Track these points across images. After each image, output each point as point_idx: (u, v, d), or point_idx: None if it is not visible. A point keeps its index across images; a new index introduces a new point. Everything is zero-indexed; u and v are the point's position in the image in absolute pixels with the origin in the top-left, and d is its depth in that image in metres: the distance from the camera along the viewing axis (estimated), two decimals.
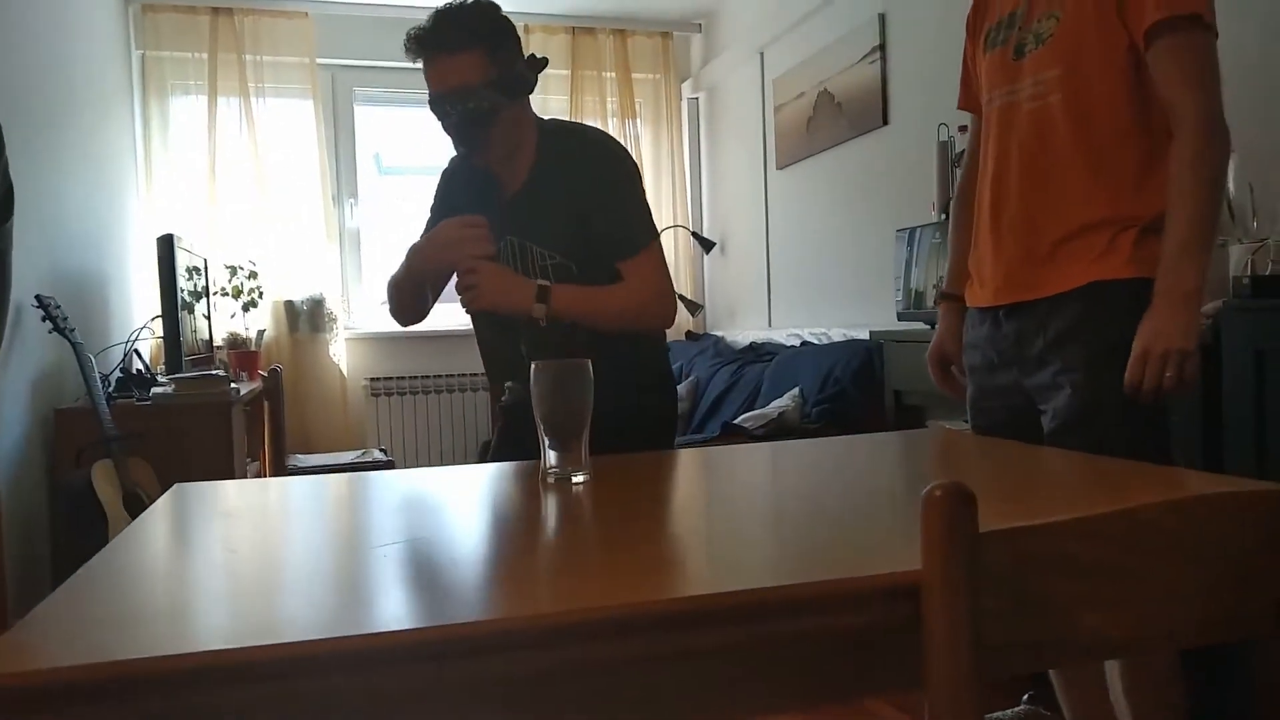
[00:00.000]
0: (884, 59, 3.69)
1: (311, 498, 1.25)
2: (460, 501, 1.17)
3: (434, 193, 1.82)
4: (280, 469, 3.90)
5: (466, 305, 1.59)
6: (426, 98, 1.63)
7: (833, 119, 4.06)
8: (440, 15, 1.58)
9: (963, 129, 2.93)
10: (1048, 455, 1.34)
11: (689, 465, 1.45)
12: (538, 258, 1.65)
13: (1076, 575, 0.73)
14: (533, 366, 1.21)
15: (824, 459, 1.43)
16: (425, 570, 0.83)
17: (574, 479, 1.22)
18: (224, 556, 0.92)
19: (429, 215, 1.81)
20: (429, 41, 1.57)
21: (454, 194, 1.76)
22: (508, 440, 1.77)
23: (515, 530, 1.02)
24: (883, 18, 3.69)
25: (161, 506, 1.14)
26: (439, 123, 1.62)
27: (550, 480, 1.22)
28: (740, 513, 1.08)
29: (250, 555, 0.92)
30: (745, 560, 0.86)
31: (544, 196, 1.64)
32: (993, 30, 1.64)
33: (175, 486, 1.26)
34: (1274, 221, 1.95)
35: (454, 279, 1.62)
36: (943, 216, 2.95)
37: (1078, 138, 1.47)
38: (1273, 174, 1.96)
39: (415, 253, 1.64)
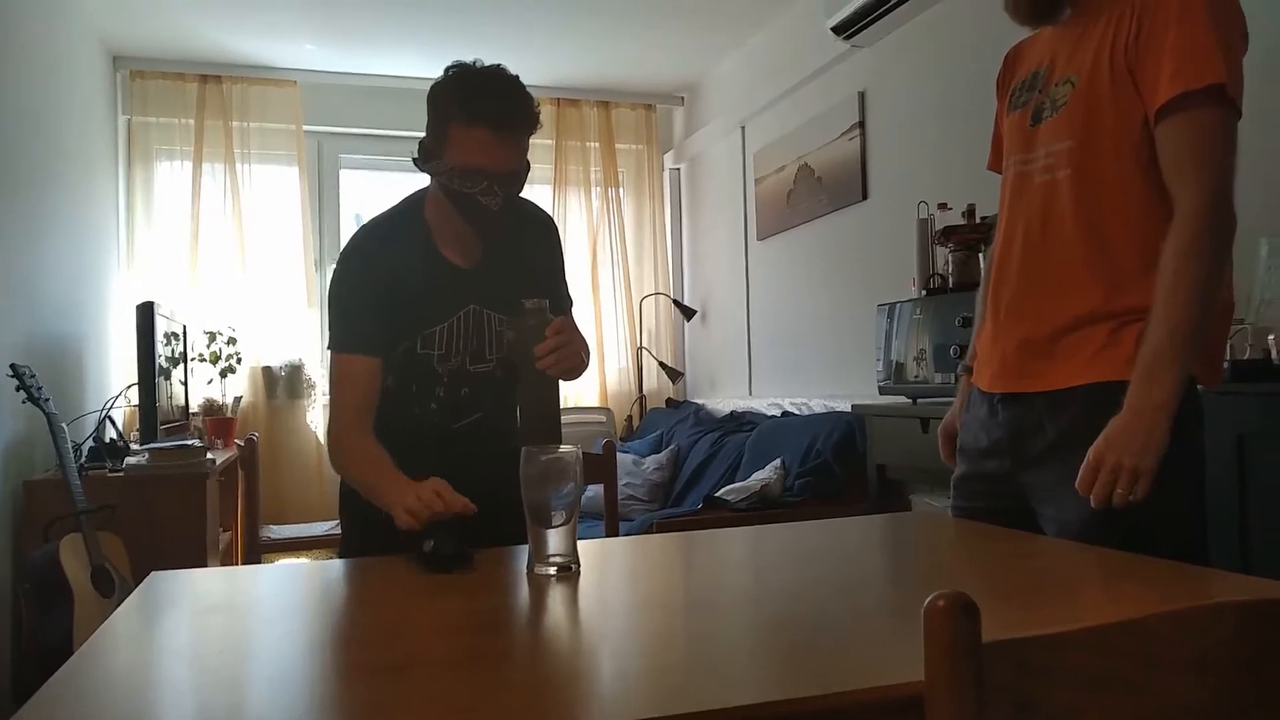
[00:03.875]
0: (864, 135, 3.77)
1: (289, 587, 1.22)
2: (436, 597, 1.14)
3: (357, 279, 1.59)
4: (253, 540, 3.83)
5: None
6: (446, 164, 1.49)
7: (813, 193, 4.13)
8: (515, 90, 1.50)
9: (942, 206, 2.99)
10: (1045, 546, 1.32)
11: (675, 554, 1.43)
12: (495, 323, 1.66)
13: (1083, 687, 0.72)
14: (523, 453, 1.20)
15: (814, 548, 1.41)
16: (403, 683, 0.80)
17: (563, 569, 1.19)
18: (198, 668, 0.88)
19: (360, 303, 1.58)
20: (501, 115, 1.48)
21: (400, 273, 1.59)
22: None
23: (500, 634, 0.99)
24: (862, 95, 3.78)
25: (135, 603, 1.10)
26: (462, 192, 1.50)
27: (538, 572, 1.19)
28: (731, 614, 1.06)
29: (225, 664, 0.89)
30: (739, 670, 0.84)
31: (503, 267, 1.66)
32: (1017, 90, 1.54)
33: (151, 576, 1.22)
34: (1249, 305, 1.97)
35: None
36: (922, 293, 2.98)
37: (1081, 219, 1.38)
38: (1245, 258, 1.99)
39: (396, 504, 1.39)
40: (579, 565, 1.21)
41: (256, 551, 3.85)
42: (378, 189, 5.28)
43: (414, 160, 1.56)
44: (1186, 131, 1.30)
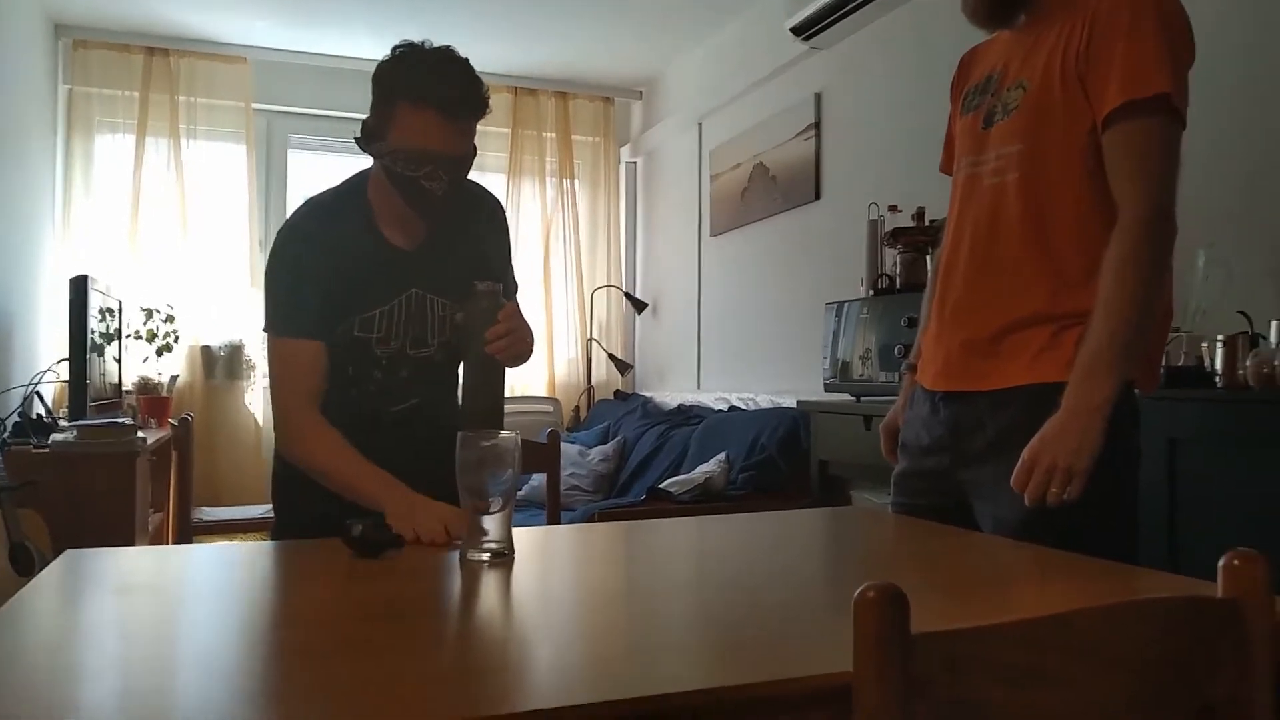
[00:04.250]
0: (818, 136, 3.79)
1: (216, 567, 1.18)
2: (367, 581, 1.11)
3: (296, 260, 1.54)
4: (185, 522, 3.73)
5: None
6: (390, 145, 1.45)
7: (767, 191, 4.14)
8: (464, 74, 1.47)
9: (892, 209, 3.01)
10: (980, 542, 1.34)
11: (611, 543, 1.42)
12: (437, 308, 1.62)
13: (1010, 681, 0.72)
14: (459, 437, 1.18)
15: (753, 539, 1.41)
16: (332, 668, 0.78)
17: (496, 555, 1.17)
18: (113, 648, 0.85)
19: (303, 285, 1.53)
20: (449, 98, 1.44)
21: (341, 255, 1.55)
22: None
23: (431, 619, 0.97)
24: (819, 97, 3.79)
25: (48, 578, 1.06)
26: (405, 175, 1.46)
27: (471, 558, 1.17)
28: (665, 604, 1.05)
29: (143, 644, 0.86)
30: (669, 660, 0.83)
31: (447, 250, 1.62)
32: (971, 93, 1.56)
33: (66, 553, 1.18)
34: (1185, 313, 2.02)
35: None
36: (870, 293, 3.01)
37: (1028, 222, 1.40)
38: (1183, 267, 2.04)
39: (397, 515, 1.33)
40: (513, 552, 1.19)
41: (188, 533, 3.75)
42: (327, 171, 5.19)
43: (356, 140, 1.52)
44: (1132, 139, 1.32)
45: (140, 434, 3.08)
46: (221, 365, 4.66)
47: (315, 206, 1.60)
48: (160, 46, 4.57)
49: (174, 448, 3.72)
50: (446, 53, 1.48)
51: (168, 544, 3.86)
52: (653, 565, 1.27)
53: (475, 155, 1.55)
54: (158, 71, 4.58)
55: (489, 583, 1.08)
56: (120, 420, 3.11)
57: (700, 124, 4.78)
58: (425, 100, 1.43)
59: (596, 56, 4.95)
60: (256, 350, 4.69)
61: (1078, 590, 1.03)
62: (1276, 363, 1.62)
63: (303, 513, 1.55)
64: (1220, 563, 0.79)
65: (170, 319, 4.36)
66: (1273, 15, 2.14)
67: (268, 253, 1.58)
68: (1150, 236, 1.30)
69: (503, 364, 1.48)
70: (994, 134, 1.46)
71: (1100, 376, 1.28)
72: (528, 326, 1.54)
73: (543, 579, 1.17)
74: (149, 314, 4.33)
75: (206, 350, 4.63)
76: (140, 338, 4.31)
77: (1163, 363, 1.83)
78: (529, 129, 5.24)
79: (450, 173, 1.48)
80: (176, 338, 4.39)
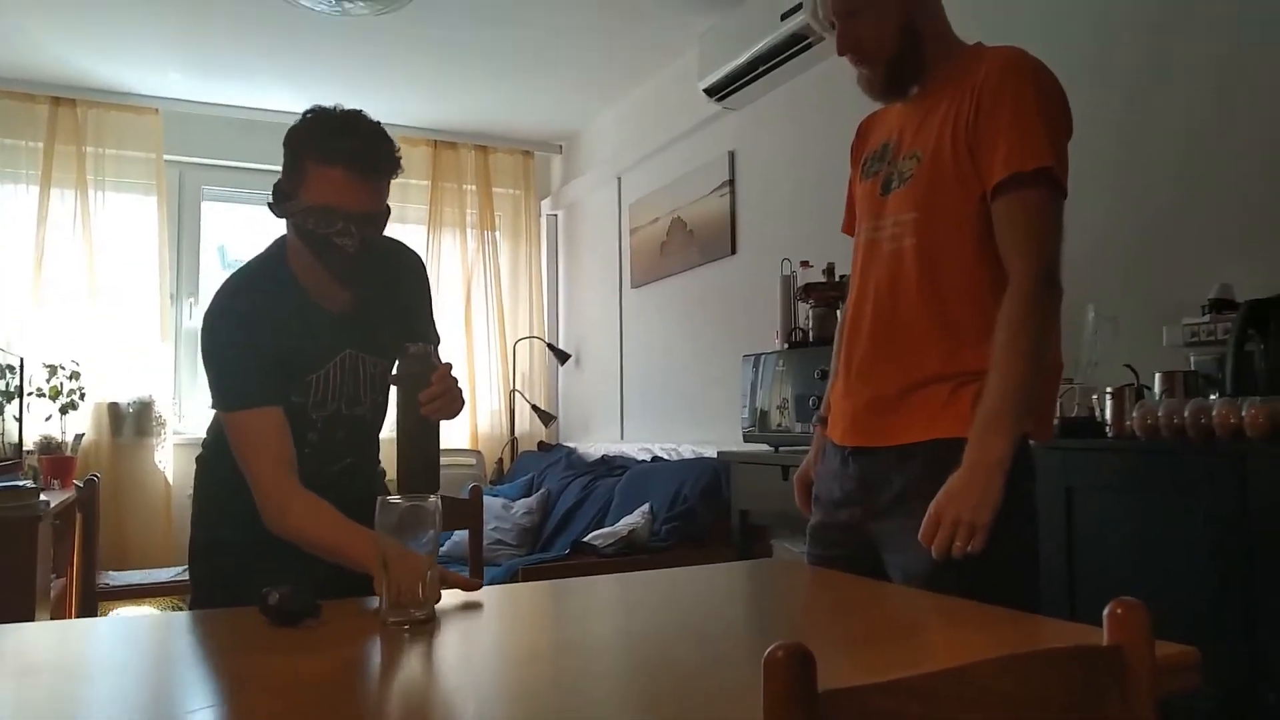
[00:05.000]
0: (733, 193, 3.90)
1: (123, 643, 1.15)
2: (286, 652, 1.10)
3: (232, 339, 1.52)
4: (90, 587, 3.58)
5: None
6: (301, 204, 1.46)
7: (685, 245, 4.23)
8: (372, 131, 1.49)
9: (804, 264, 3.11)
10: (891, 593, 1.38)
11: (533, 604, 1.43)
12: (368, 366, 1.64)
13: None
14: (378, 503, 1.18)
15: (673, 597, 1.43)
16: None
17: (418, 621, 1.17)
18: None
19: (245, 359, 1.51)
20: (360, 157, 1.46)
21: (275, 327, 1.54)
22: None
23: (351, 688, 0.97)
24: (732, 155, 3.91)
25: None
26: (316, 233, 1.47)
27: (391, 622, 1.17)
28: (584, 661, 1.07)
29: None
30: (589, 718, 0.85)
31: (374, 310, 1.63)
32: (869, 160, 1.64)
33: None
34: (1078, 366, 2.14)
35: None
36: (785, 346, 3.09)
37: (925, 286, 1.47)
38: (1075, 323, 2.16)
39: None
40: (436, 616, 1.20)
41: (93, 599, 3.60)
42: (241, 222, 5.12)
43: (269, 205, 1.52)
44: (1017, 209, 1.41)
45: (42, 497, 2.96)
46: (130, 422, 4.51)
47: (240, 282, 1.59)
48: (67, 96, 4.47)
49: (78, 510, 3.59)
50: (356, 114, 1.51)
51: (71, 611, 3.69)
52: (570, 626, 1.29)
53: (389, 214, 1.56)
54: (64, 122, 4.48)
55: (410, 649, 1.08)
56: (21, 483, 2.98)
57: (619, 178, 4.87)
58: (333, 158, 1.44)
59: (516, 112, 5.01)
60: (166, 406, 4.56)
61: (980, 640, 1.09)
62: (1159, 414, 1.73)
63: (215, 569, 1.52)
64: (1105, 611, 0.85)
65: (75, 375, 4.22)
66: (1145, 94, 2.31)
67: (200, 334, 1.55)
68: (1037, 300, 1.39)
69: (436, 425, 1.48)
70: (891, 201, 1.54)
71: (997, 433, 1.35)
72: (458, 385, 1.54)
73: (463, 643, 1.18)
74: (52, 370, 4.18)
75: (114, 407, 4.48)
76: (43, 395, 4.15)
77: (1057, 414, 1.94)
78: (449, 181, 5.26)
79: (361, 229, 1.48)
80: (82, 394, 4.24)
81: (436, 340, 1.76)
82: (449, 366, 1.50)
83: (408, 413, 1.44)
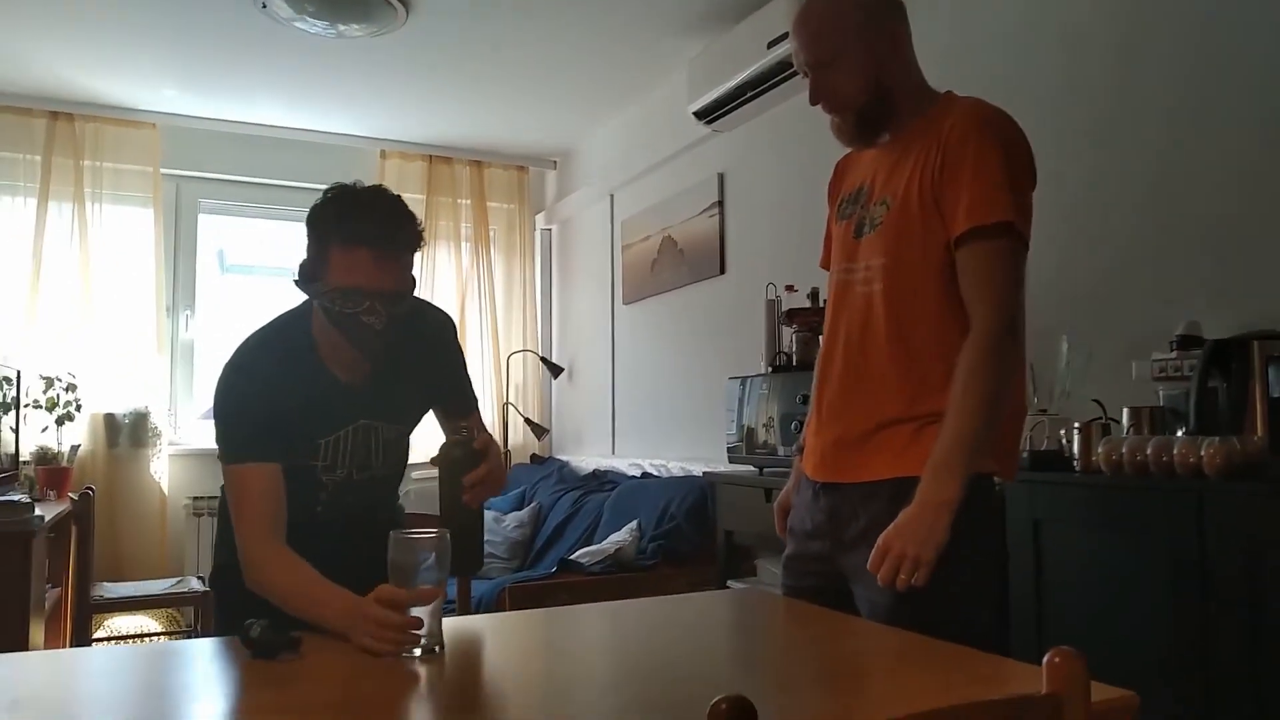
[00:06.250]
0: (722, 214, 3.96)
1: (113, 675, 1.20)
2: (287, 685, 1.15)
3: (244, 395, 1.54)
4: (84, 600, 3.62)
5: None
6: (327, 285, 1.47)
7: (675, 263, 4.29)
8: (391, 207, 1.50)
9: (789, 288, 3.17)
10: (856, 628, 1.43)
11: (521, 632, 1.47)
12: (384, 433, 1.66)
13: None
14: (391, 538, 1.24)
15: (651, 630, 1.48)
16: None
17: (426, 650, 1.23)
18: None
19: (254, 415, 1.53)
20: (380, 235, 1.47)
21: (289, 391, 1.56)
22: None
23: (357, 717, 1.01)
24: (722, 177, 3.97)
25: None
26: (344, 313, 1.48)
27: (401, 654, 1.22)
28: (557, 699, 1.12)
29: None
30: None
31: (394, 380, 1.64)
32: (844, 201, 1.69)
33: None
34: (1050, 396, 2.19)
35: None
36: (769, 370, 3.14)
37: (892, 333, 1.52)
38: (1048, 354, 2.21)
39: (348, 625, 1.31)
40: (443, 646, 1.25)
41: (88, 611, 3.64)
42: (239, 234, 5.18)
43: (295, 282, 1.54)
44: (979, 260, 1.47)
45: (38, 511, 3.01)
46: (126, 433, 4.55)
47: (262, 341, 1.61)
48: (65, 111, 4.52)
49: (74, 522, 3.63)
50: (377, 191, 1.53)
51: (65, 621, 3.73)
52: (558, 660, 1.34)
53: (415, 286, 1.57)
54: (62, 135, 4.53)
55: (413, 684, 1.13)
56: (14, 498, 3.03)
57: (612, 195, 4.93)
58: (357, 240, 1.46)
59: (510, 128, 5.07)
60: (162, 417, 4.61)
61: (927, 681, 1.14)
62: (1124, 450, 1.78)
63: (243, 604, 1.54)
64: (1044, 660, 0.90)
65: (71, 387, 4.27)
66: (1113, 130, 2.36)
67: (215, 386, 1.57)
68: (996, 348, 1.44)
69: (481, 509, 1.48)
70: (863, 245, 1.60)
71: (948, 475, 1.41)
72: (501, 464, 1.53)
73: (461, 676, 1.22)
74: (49, 382, 4.23)
75: (110, 418, 4.53)
76: (40, 407, 4.20)
77: (1026, 448, 1.99)
78: (444, 196, 5.31)
79: (388, 307, 1.50)
80: (78, 406, 4.29)
81: (474, 402, 1.76)
82: (488, 438, 1.51)
83: (451, 501, 1.45)
